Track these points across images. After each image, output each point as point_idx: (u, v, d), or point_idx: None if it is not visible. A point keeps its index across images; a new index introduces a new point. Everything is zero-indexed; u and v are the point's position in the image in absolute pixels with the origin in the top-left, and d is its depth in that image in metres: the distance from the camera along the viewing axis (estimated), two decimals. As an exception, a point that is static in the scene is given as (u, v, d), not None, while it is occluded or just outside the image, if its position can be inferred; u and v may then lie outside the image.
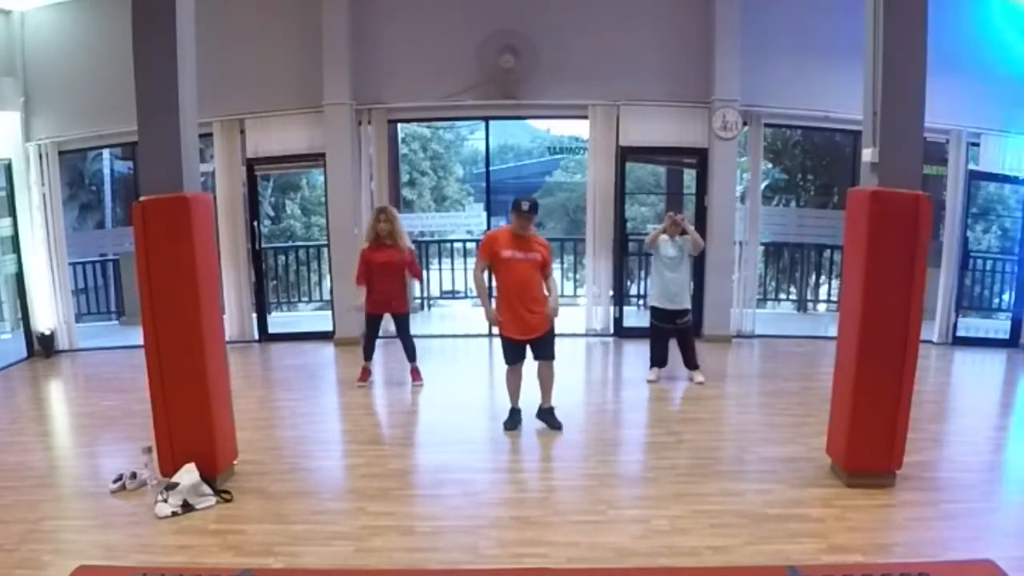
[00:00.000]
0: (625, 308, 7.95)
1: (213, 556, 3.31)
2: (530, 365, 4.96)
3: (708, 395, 5.66)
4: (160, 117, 3.82)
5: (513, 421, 4.96)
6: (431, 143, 15.23)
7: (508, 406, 5.00)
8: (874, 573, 2.98)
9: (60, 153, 7.47)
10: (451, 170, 15.96)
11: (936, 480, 4.06)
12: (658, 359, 6.05)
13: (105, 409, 5.57)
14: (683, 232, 5.83)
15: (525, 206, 4.71)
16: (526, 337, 4.80)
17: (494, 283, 5.10)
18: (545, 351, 4.92)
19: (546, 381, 4.95)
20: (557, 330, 4.96)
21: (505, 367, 4.95)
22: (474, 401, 5.75)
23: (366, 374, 6.06)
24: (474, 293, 9.45)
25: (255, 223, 7.76)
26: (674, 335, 5.98)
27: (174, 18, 3.77)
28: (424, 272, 9.65)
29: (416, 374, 6.02)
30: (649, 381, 5.99)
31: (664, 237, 5.86)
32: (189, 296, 3.82)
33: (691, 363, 5.99)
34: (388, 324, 6.15)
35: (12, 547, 3.39)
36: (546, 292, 4.82)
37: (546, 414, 4.98)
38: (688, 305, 5.93)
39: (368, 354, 6.00)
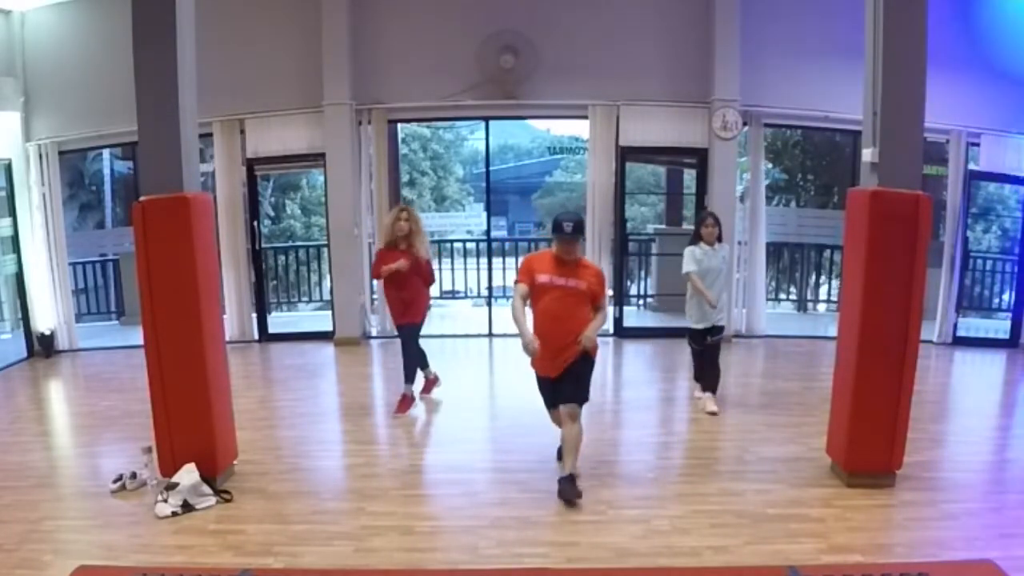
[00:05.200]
0: (625, 308, 7.95)
1: (213, 556, 3.31)
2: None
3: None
4: (160, 117, 3.82)
5: (574, 489, 3.81)
6: (431, 143, 15.26)
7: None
8: (874, 573, 2.98)
9: (60, 153, 7.47)
10: (451, 170, 15.99)
11: (936, 480, 4.05)
12: (706, 385, 5.35)
13: (105, 409, 5.57)
14: (720, 238, 5.20)
15: (568, 227, 3.75)
16: (550, 374, 3.90)
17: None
18: (569, 390, 3.84)
19: (569, 437, 3.86)
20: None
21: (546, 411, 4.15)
22: (474, 401, 5.75)
23: (431, 384, 5.69)
24: (474, 292, 9.55)
25: (255, 223, 7.76)
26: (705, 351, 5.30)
27: (174, 19, 3.77)
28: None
29: (403, 404, 5.32)
30: (711, 413, 5.16)
31: (700, 249, 5.13)
32: (189, 296, 3.82)
33: (710, 384, 5.30)
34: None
35: (12, 547, 3.39)
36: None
37: (563, 482, 3.82)
38: (724, 320, 5.33)
39: (409, 376, 5.42)
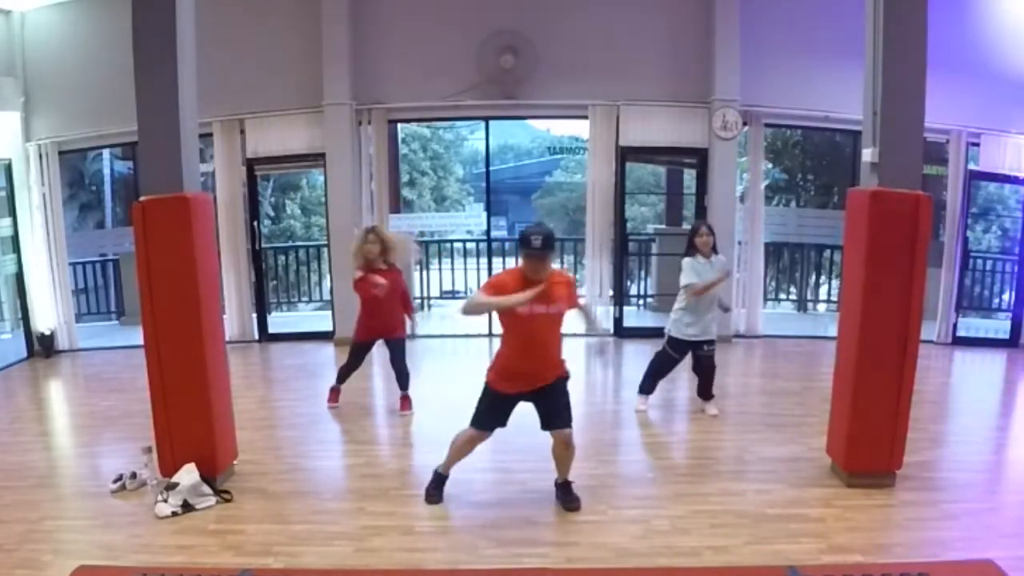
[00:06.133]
0: (625, 308, 7.94)
1: (213, 556, 3.31)
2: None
3: (708, 395, 5.65)
4: (160, 117, 3.82)
5: (439, 492, 3.88)
6: (431, 143, 15.26)
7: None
8: (874, 573, 2.98)
9: (60, 153, 7.47)
10: (451, 170, 16.00)
11: (936, 480, 4.06)
12: (652, 389, 5.35)
13: (105, 409, 5.57)
14: (715, 249, 5.03)
15: (536, 241, 3.35)
16: (523, 390, 3.61)
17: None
18: (558, 415, 3.59)
19: (565, 458, 3.74)
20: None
21: (466, 429, 3.75)
22: (474, 401, 5.73)
23: (336, 395, 5.50)
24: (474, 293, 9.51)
25: (255, 223, 7.76)
26: (695, 363, 5.19)
27: (174, 18, 3.76)
28: (424, 272, 9.66)
29: (406, 403, 5.42)
30: (639, 411, 5.29)
31: (699, 261, 4.95)
32: (189, 296, 3.82)
33: (708, 393, 5.27)
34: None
35: (12, 547, 3.39)
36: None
37: (562, 489, 3.82)
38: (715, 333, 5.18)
39: (342, 378, 5.45)
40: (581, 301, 3.77)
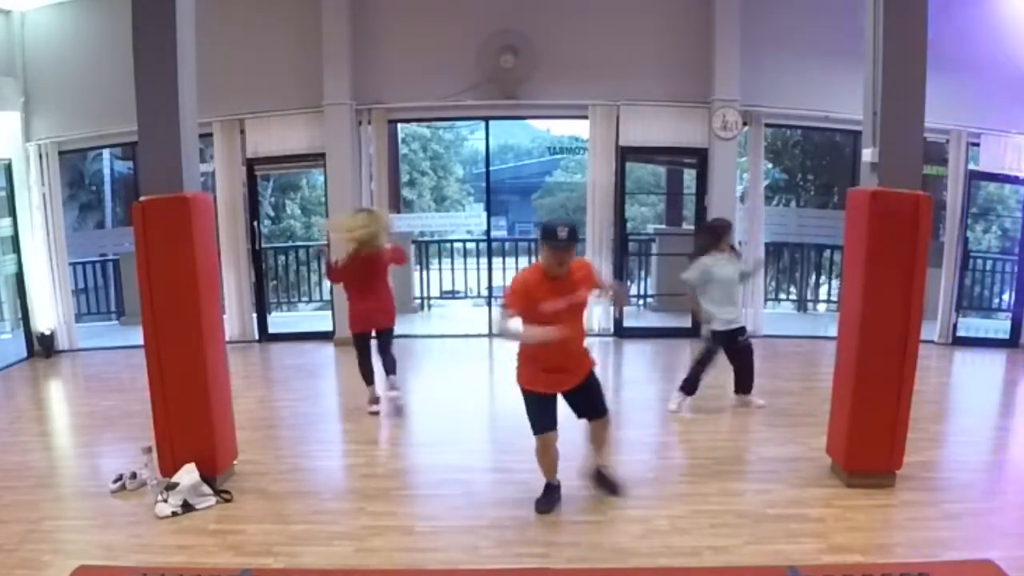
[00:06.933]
0: (625, 308, 7.94)
1: (213, 556, 3.31)
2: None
3: (708, 395, 5.62)
4: (160, 117, 3.82)
5: (549, 500, 3.75)
6: (431, 143, 15.27)
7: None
8: (874, 573, 2.98)
9: (60, 153, 7.46)
10: (451, 170, 16.01)
11: (936, 480, 4.06)
12: (694, 387, 5.29)
13: (105, 409, 5.57)
14: (732, 246, 5.17)
15: (563, 233, 3.30)
16: (556, 390, 3.59)
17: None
18: (594, 408, 3.68)
19: (601, 442, 3.80)
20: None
21: (534, 439, 3.60)
22: (474, 401, 5.74)
23: (377, 401, 5.34)
24: (474, 292, 9.55)
25: (255, 223, 7.76)
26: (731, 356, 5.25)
27: (174, 18, 3.77)
28: (424, 272, 9.67)
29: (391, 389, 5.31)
30: (673, 411, 5.26)
31: (718, 259, 5.16)
32: (189, 296, 3.82)
33: (748, 386, 5.28)
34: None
35: (12, 547, 3.39)
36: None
37: (598, 475, 3.88)
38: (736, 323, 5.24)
39: (369, 378, 5.29)
40: (604, 281, 3.74)
